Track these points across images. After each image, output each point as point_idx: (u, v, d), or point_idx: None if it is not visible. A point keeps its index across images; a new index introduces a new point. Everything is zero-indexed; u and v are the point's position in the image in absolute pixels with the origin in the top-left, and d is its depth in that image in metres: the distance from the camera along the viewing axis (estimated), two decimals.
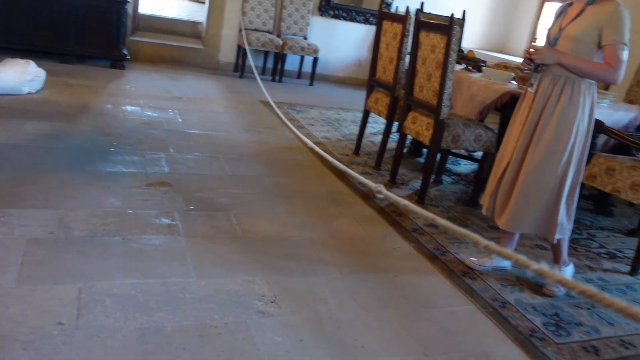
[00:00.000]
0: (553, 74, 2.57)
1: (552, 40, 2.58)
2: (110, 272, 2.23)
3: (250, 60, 4.85)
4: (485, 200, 2.88)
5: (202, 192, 3.21)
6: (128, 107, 4.75)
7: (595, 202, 4.15)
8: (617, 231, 3.82)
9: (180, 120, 4.65)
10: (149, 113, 4.69)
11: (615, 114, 3.59)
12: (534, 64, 2.60)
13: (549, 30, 2.65)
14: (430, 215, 1.01)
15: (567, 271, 2.82)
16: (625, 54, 2.42)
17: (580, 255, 3.24)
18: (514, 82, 3.88)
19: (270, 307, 2.19)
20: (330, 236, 2.95)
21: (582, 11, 2.51)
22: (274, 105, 2.57)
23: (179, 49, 7.27)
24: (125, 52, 6.23)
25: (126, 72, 6.16)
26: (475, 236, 0.86)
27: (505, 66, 4.43)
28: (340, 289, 2.43)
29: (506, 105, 3.65)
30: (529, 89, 2.68)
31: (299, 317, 2.16)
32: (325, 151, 4.50)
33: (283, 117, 2.39)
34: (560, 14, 2.66)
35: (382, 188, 1.21)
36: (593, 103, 2.57)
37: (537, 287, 2.75)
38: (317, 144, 4.72)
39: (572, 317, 2.52)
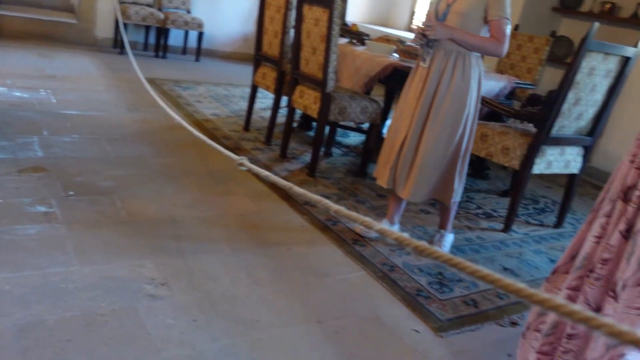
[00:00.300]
0: (445, 49, 2.64)
1: (441, 15, 2.65)
2: None
3: (123, 35, 4.59)
4: (381, 173, 2.91)
5: (82, 176, 3.03)
6: None
7: (472, 167, 4.44)
8: (492, 193, 4.12)
9: (54, 100, 4.33)
10: (18, 94, 4.32)
11: (488, 84, 3.83)
12: (426, 40, 2.65)
13: (436, 6, 2.70)
14: (287, 184, 1.02)
15: (449, 238, 2.98)
16: (509, 29, 2.59)
17: (460, 217, 3.46)
18: (396, 55, 4.02)
19: (160, 290, 2.14)
20: (221, 214, 2.91)
21: None
22: (145, 82, 2.45)
23: (50, 23, 6.73)
24: None
25: None
26: (326, 202, 0.88)
27: (387, 39, 4.57)
28: (233, 266, 2.41)
29: (389, 78, 3.78)
30: (421, 63, 2.73)
31: (192, 297, 2.13)
32: (213, 128, 4.41)
33: (155, 95, 2.28)
34: None
35: (244, 160, 1.19)
36: (480, 75, 2.71)
37: None
38: (206, 121, 4.61)
39: (454, 274, 2.70)
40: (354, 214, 0.80)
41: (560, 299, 0.50)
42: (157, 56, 6.96)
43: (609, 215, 1.38)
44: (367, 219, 0.80)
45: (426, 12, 2.85)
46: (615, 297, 1.28)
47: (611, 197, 1.40)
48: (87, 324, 1.86)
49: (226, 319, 2.04)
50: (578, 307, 0.59)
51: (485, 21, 2.60)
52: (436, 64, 2.67)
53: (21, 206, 2.56)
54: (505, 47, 2.60)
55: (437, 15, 2.68)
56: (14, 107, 3.95)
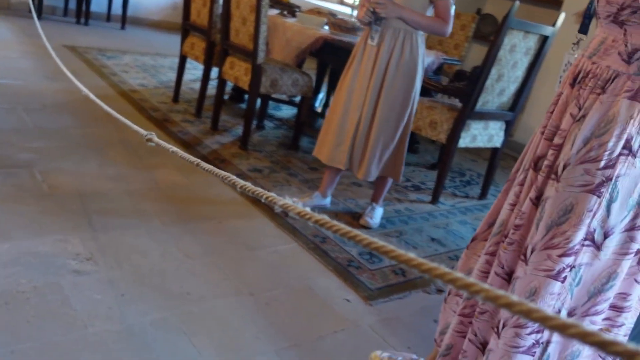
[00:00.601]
0: (394, 28, 2.65)
1: None
2: None
3: None
4: (332, 154, 2.84)
5: None
6: None
7: None
8: (421, 166, 4.24)
9: None
10: None
11: None
12: (375, 17, 2.63)
13: None
14: (194, 159, 1.00)
15: (379, 211, 3.04)
16: (453, 9, 2.65)
17: (390, 190, 3.54)
18: (327, 28, 4.01)
19: (86, 265, 2.07)
20: (150, 187, 2.84)
21: None
22: (50, 48, 2.31)
23: None
24: None
25: None
26: (232, 178, 0.88)
27: (318, 12, 4.55)
28: (162, 240, 2.37)
29: (321, 51, 3.77)
30: (369, 41, 2.70)
31: (120, 272, 2.08)
32: (140, 99, 4.26)
33: (60, 64, 2.16)
34: None
35: (152, 136, 1.16)
36: (424, 53, 2.77)
37: (354, 220, 2.96)
38: (132, 92, 4.44)
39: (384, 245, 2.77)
40: (259, 190, 0.80)
41: (470, 278, 0.52)
42: (78, 22, 6.61)
43: (522, 184, 1.46)
44: (272, 194, 0.80)
45: None
46: (526, 261, 1.36)
47: (524, 167, 1.48)
48: (7, 301, 1.78)
49: (156, 292, 2.01)
50: (486, 286, 0.62)
51: (431, 1, 2.64)
52: (385, 43, 2.67)
53: None
54: (450, 27, 2.66)
55: None
56: None
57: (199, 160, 0.97)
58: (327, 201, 3.03)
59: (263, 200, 0.78)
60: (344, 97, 2.81)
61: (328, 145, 2.87)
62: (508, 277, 1.44)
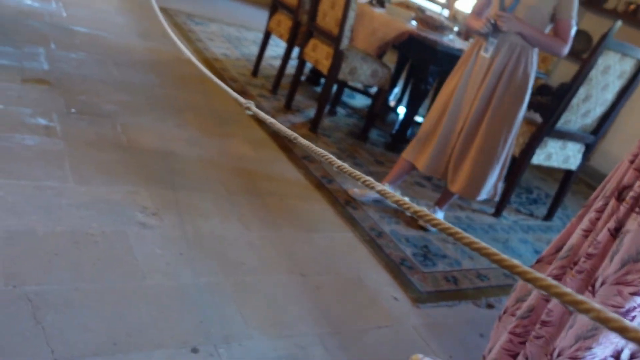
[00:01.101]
0: (511, 42, 2.58)
1: (509, 7, 2.56)
2: None
3: None
4: (422, 159, 2.83)
5: (85, 95, 3.00)
6: None
7: None
8: None
9: (64, 14, 4.24)
10: (29, 2, 4.22)
11: None
12: (493, 29, 2.57)
13: None
14: (292, 133, 1.02)
15: (440, 215, 3.00)
16: (574, 31, 2.55)
17: None
18: (414, 23, 3.96)
19: (151, 219, 2.15)
20: (220, 154, 2.91)
21: None
22: (159, 13, 2.40)
23: None
24: None
25: None
26: (330, 157, 0.89)
27: (407, 6, 4.49)
28: (225, 207, 2.43)
29: (404, 45, 3.73)
30: (482, 52, 2.65)
31: (181, 231, 2.15)
32: (221, 68, 4.36)
33: (167, 27, 2.23)
34: None
35: (251, 105, 1.19)
36: (535, 70, 2.69)
37: (412, 220, 2.94)
38: (215, 60, 4.55)
39: (439, 249, 2.74)
40: (356, 172, 0.81)
41: (552, 280, 0.52)
42: None
43: (600, 212, 1.40)
44: (369, 179, 0.80)
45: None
46: (593, 292, 1.31)
47: (605, 194, 1.42)
48: (76, 241, 1.88)
49: (212, 257, 2.07)
50: (569, 289, 0.61)
51: (552, 19, 2.55)
52: (501, 56, 2.60)
53: (21, 116, 2.54)
54: (568, 49, 2.57)
55: (503, 6, 2.59)
56: (23, 15, 3.87)
57: (296, 135, 0.99)
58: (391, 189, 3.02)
59: (360, 183, 0.79)
60: (449, 105, 2.76)
61: (427, 153, 2.83)
62: None
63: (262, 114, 1.14)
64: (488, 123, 2.68)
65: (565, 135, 3.28)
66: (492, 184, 2.83)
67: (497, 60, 2.63)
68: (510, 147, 2.79)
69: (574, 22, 2.54)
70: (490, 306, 2.43)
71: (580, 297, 0.57)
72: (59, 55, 3.40)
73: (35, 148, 2.33)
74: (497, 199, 2.90)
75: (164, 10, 5.52)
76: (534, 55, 2.64)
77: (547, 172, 4.69)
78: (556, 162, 3.39)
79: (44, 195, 2.05)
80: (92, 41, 3.88)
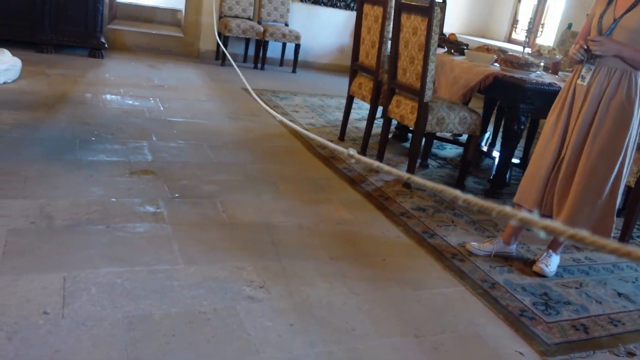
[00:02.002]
0: (609, 66, 2.47)
1: (607, 30, 2.46)
2: (94, 261, 2.18)
3: (222, 47, 4.79)
4: (527, 197, 2.74)
5: (186, 179, 3.17)
6: (108, 96, 4.66)
7: None
8: None
9: (162, 108, 4.58)
10: (130, 102, 4.61)
11: None
12: (588, 55, 2.48)
13: (599, 19, 2.51)
14: (403, 174, 0.98)
15: (555, 259, 2.80)
16: None
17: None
18: (497, 65, 3.88)
19: (259, 292, 2.17)
20: (318, 221, 2.92)
21: (637, 2, 2.40)
22: (251, 90, 2.55)
23: (158, 37, 7.16)
24: (103, 40, 6.11)
25: (105, 61, 6.05)
26: (452, 190, 0.84)
27: (487, 49, 4.43)
28: (329, 273, 2.41)
29: (490, 88, 3.65)
30: (579, 81, 2.55)
31: (289, 302, 2.14)
32: (309, 137, 4.47)
33: (259, 99, 2.34)
34: (609, 2, 2.51)
35: (353, 152, 1.18)
36: None
37: (526, 267, 2.76)
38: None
39: (561, 296, 2.54)
40: (487, 203, 0.76)
41: None
42: (255, 67, 7.19)
43: None
44: (505, 207, 0.75)
45: (582, 26, 2.69)
46: None
47: None
48: (191, 320, 1.92)
49: (322, 325, 2.03)
50: None
51: None
52: (598, 82, 2.48)
53: (132, 206, 2.71)
54: None
55: (600, 30, 2.49)
56: (126, 114, 4.22)
57: (409, 175, 0.97)
58: (513, 248, 2.86)
59: (493, 215, 0.74)
60: (548, 141, 2.66)
61: (533, 191, 2.71)
62: None
63: (365, 159, 1.13)
64: (588, 153, 2.52)
65: None
66: (595, 218, 2.60)
67: (595, 86, 2.49)
68: (617, 178, 2.56)
69: None
70: (630, 354, 2.18)
71: None
72: (160, 146, 3.64)
73: (146, 234, 2.46)
74: (610, 237, 2.65)
75: (249, 91, 5.82)
76: (638, 78, 2.46)
77: None
78: None
79: (157, 279, 2.13)
80: (187, 129, 4.13)
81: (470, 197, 0.82)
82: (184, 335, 1.83)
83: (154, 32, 7.17)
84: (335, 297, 2.23)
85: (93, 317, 1.84)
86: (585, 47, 2.46)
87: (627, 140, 2.51)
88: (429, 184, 0.88)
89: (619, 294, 2.65)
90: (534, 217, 0.71)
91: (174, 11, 8.14)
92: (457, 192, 0.82)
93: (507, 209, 0.80)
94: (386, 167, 1.02)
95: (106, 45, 6.18)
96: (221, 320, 1.95)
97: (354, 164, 1.10)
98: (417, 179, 0.92)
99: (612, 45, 2.41)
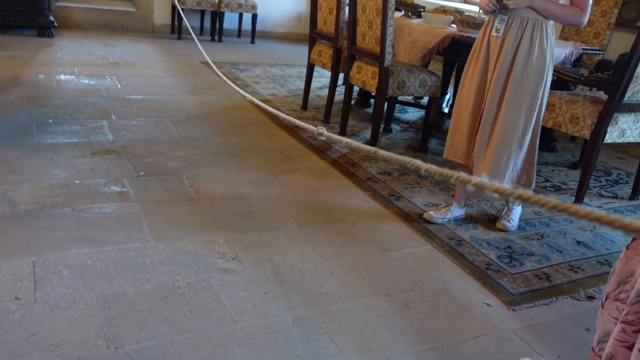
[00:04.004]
0: (521, 17, 2.48)
1: None
2: (63, 243, 2.16)
3: (185, 20, 4.68)
4: (455, 150, 2.75)
5: (150, 157, 3.13)
6: (62, 76, 4.53)
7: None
8: (560, 165, 3.98)
9: (119, 86, 4.48)
10: (85, 81, 4.49)
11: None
12: (499, 6, 2.48)
13: None
14: (371, 148, 1.01)
15: (517, 210, 2.88)
16: None
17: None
18: (454, 26, 3.91)
19: (232, 264, 2.19)
20: (286, 191, 2.94)
21: None
22: (213, 65, 2.52)
23: (110, 12, 6.94)
24: (52, 19, 5.90)
25: (55, 40, 5.85)
26: (415, 161, 0.87)
27: (444, 10, 4.46)
28: (300, 241, 2.44)
29: (448, 49, 3.69)
30: (493, 32, 2.56)
31: (262, 271, 2.17)
32: (273, 108, 4.45)
33: (222, 75, 2.32)
34: None
35: (322, 130, 1.19)
36: (554, 44, 2.56)
37: (489, 223, 2.85)
38: (264, 101, 4.65)
39: (524, 248, 2.64)
40: (446, 171, 0.79)
41: None
42: (213, 40, 7.07)
43: None
44: (461, 174, 0.78)
45: None
46: None
47: None
48: (165, 295, 1.93)
49: (296, 291, 2.07)
50: None
51: None
52: (512, 33, 2.50)
53: (97, 186, 2.68)
54: (587, 17, 2.44)
55: None
56: (82, 94, 4.11)
57: (375, 149, 0.99)
58: (462, 211, 2.89)
59: (452, 181, 0.77)
60: (467, 92, 2.68)
61: (459, 144, 2.75)
62: None
63: (334, 137, 1.15)
64: (507, 104, 2.55)
65: (635, 107, 3.12)
66: (518, 169, 2.67)
67: (509, 38, 2.51)
68: (535, 127, 2.61)
69: None
70: (590, 298, 2.30)
71: None
72: (121, 125, 3.57)
73: (114, 214, 2.44)
74: (532, 187, 2.71)
75: (208, 64, 5.73)
76: (549, 28, 2.50)
77: (622, 149, 4.46)
78: (631, 137, 3.22)
79: (129, 257, 2.13)
80: (148, 106, 4.06)
81: (431, 166, 0.85)
82: (159, 311, 1.85)
83: (105, 7, 6.94)
84: (307, 263, 2.27)
85: (66, 299, 1.84)
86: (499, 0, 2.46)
87: (542, 90, 2.55)
88: (394, 156, 0.91)
89: (578, 242, 2.77)
90: (486, 181, 0.75)
91: None
92: (419, 162, 0.85)
93: (463, 174, 0.83)
94: (354, 143, 1.04)
95: (56, 24, 5.97)
96: (196, 294, 1.97)
97: (323, 139, 1.11)
98: (383, 152, 0.94)
99: None
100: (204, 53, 3.01)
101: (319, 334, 1.86)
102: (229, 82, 2.07)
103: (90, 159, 2.98)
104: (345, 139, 1.10)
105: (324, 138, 1.17)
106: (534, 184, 2.72)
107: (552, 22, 2.51)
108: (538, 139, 2.67)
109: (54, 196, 2.52)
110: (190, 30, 4.14)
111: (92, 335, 1.69)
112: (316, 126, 1.22)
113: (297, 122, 1.37)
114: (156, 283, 1.99)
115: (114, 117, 3.71)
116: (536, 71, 2.52)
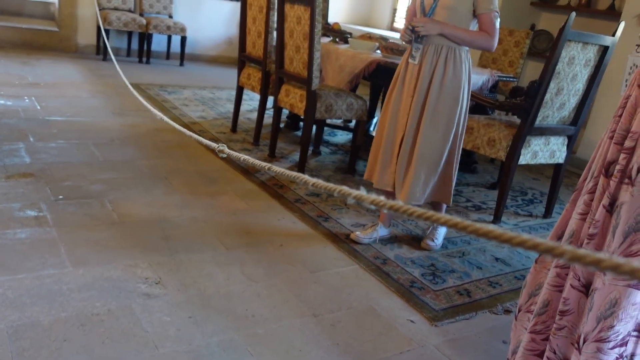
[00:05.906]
0: (435, 45, 2.59)
1: (429, 11, 2.61)
2: None
3: (106, 41, 4.59)
4: (378, 175, 2.80)
5: (71, 180, 3.02)
6: None
7: (460, 161, 4.47)
8: (480, 185, 4.15)
9: (39, 107, 4.30)
10: (1, 102, 4.28)
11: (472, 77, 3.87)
12: (414, 35, 2.59)
13: (421, 1, 2.65)
14: (265, 164, 1.03)
15: (441, 230, 2.97)
16: (498, 22, 2.57)
17: (450, 210, 3.48)
18: (379, 52, 4.05)
19: (155, 288, 2.13)
20: (212, 213, 2.91)
21: None
22: (130, 86, 2.48)
23: (30, 31, 6.68)
24: None
25: None
26: (303, 177, 0.90)
27: (369, 37, 4.61)
28: (226, 263, 2.42)
29: (374, 74, 3.81)
30: (410, 60, 2.66)
31: (187, 295, 2.13)
32: (200, 130, 4.41)
33: (138, 95, 2.28)
34: None
35: (223, 147, 1.21)
36: (470, 69, 2.68)
37: (414, 242, 2.93)
38: (193, 124, 4.60)
39: (447, 265, 2.73)
40: (330, 185, 0.81)
41: (569, 246, 0.51)
42: (140, 62, 6.94)
43: (592, 192, 1.41)
44: (344, 187, 0.81)
45: (407, 8, 2.85)
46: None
47: (593, 175, 1.43)
48: (83, 323, 1.85)
49: (222, 315, 2.04)
50: (587, 251, 0.60)
51: (474, 14, 2.58)
52: (427, 60, 2.61)
53: (11, 211, 2.54)
54: (496, 41, 2.58)
55: (423, 11, 2.64)
56: None
57: (270, 165, 1.00)
58: (388, 231, 2.94)
59: (336, 194, 0.80)
60: (388, 118, 2.76)
61: (377, 168, 2.81)
62: (585, 290, 1.38)
63: (234, 154, 1.15)
64: (424, 129, 2.65)
65: (546, 131, 3.32)
66: (436, 185, 2.76)
67: (425, 65, 2.62)
68: (452, 149, 2.72)
69: (495, 14, 2.56)
70: (507, 311, 2.40)
71: (600, 255, 0.57)
72: (39, 147, 3.43)
73: (29, 240, 2.32)
74: (449, 203, 2.83)
75: (135, 85, 5.61)
76: (463, 54, 2.63)
77: (537, 171, 4.72)
78: (543, 158, 3.42)
79: (44, 285, 2.03)
80: (69, 128, 3.92)
81: (316, 180, 0.88)
82: (76, 339, 1.77)
83: (24, 26, 6.68)
84: (233, 286, 2.25)
85: None
86: (411, 28, 2.59)
87: (458, 113, 2.67)
88: (286, 172, 0.93)
89: (497, 259, 2.90)
90: (364, 193, 0.78)
91: (45, 4, 7.61)
92: (306, 177, 0.88)
93: (345, 188, 0.86)
94: (250, 160, 1.05)
95: None
96: (116, 320, 1.90)
97: (224, 157, 1.11)
98: (276, 168, 0.96)
99: (434, 25, 2.55)
100: (120, 72, 2.95)
101: (244, 356, 1.84)
102: (145, 103, 2.04)
103: (4, 183, 2.83)
104: (242, 156, 1.11)
105: (224, 155, 1.18)
106: (450, 201, 2.82)
107: (466, 48, 2.65)
108: (456, 158, 2.78)
109: None
110: (110, 50, 4.05)
111: None
112: (217, 144, 1.23)
113: (200, 138, 1.37)
114: (73, 311, 1.91)
115: (31, 139, 3.55)
116: (451, 95, 2.63)
